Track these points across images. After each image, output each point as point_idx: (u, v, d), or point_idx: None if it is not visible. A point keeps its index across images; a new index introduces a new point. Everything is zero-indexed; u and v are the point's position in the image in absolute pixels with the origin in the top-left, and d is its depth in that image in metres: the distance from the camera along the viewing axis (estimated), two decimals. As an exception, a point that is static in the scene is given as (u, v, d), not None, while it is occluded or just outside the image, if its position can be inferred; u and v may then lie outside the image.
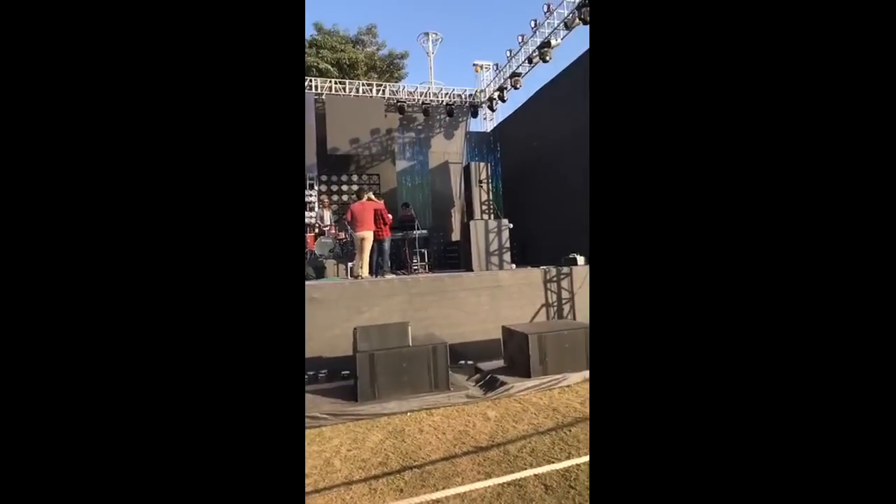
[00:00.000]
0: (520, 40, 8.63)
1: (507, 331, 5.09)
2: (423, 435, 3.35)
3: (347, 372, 4.63)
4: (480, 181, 7.68)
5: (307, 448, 3.20)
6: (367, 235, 6.23)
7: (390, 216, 7.03)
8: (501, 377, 4.49)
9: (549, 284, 6.12)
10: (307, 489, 2.59)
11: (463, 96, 10.69)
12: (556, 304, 6.11)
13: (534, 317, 5.99)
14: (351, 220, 6.33)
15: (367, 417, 3.72)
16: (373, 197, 6.63)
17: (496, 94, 9.86)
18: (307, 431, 3.51)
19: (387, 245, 6.86)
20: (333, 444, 3.26)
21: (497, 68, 10.01)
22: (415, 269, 7.45)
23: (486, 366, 5.03)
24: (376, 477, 2.70)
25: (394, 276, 6.75)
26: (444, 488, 2.49)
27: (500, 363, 5.08)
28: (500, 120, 10.92)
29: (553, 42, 7.82)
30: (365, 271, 6.31)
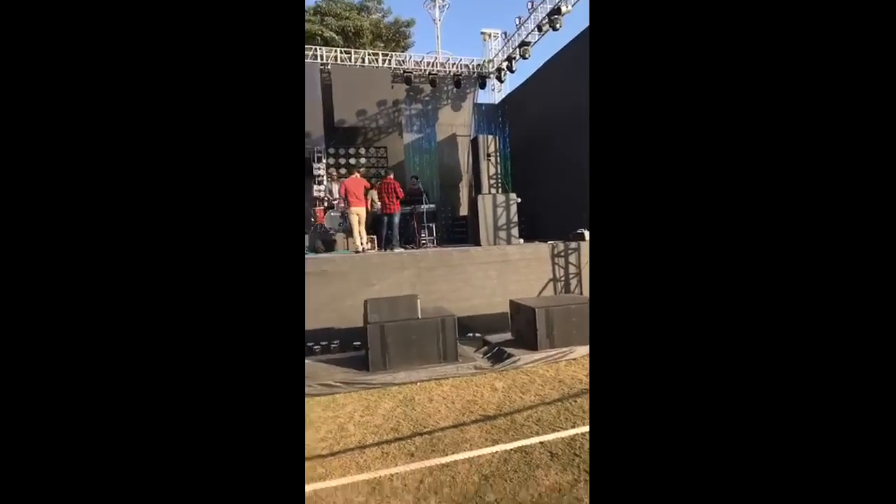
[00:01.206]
0: (529, 7, 8.32)
1: (514, 305, 5.16)
2: (432, 404, 3.47)
3: (359, 343, 4.76)
4: (488, 155, 7.59)
5: (322, 413, 3.34)
6: (360, 211, 6.56)
7: (402, 191, 7.03)
8: (509, 350, 4.59)
9: (556, 259, 6.14)
10: (323, 452, 2.73)
11: (471, 66, 10.42)
12: (563, 278, 6.15)
13: (541, 291, 6.05)
14: (345, 196, 6.64)
15: (378, 386, 3.86)
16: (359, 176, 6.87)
17: (504, 65, 9.60)
18: (322, 399, 3.65)
19: (396, 219, 6.90)
20: (347, 410, 3.40)
21: (505, 37, 9.71)
22: (423, 244, 7.49)
23: (494, 338, 5.13)
24: (388, 442, 2.83)
25: (402, 249, 6.81)
26: (453, 453, 2.61)
27: (507, 336, 5.18)
28: (509, 91, 10.66)
29: (563, 9, 7.54)
30: (359, 244, 6.52)
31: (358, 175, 6.90)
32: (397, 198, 6.79)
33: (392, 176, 7.13)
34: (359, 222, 6.60)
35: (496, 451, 2.60)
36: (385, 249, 6.81)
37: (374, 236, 7.38)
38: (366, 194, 6.72)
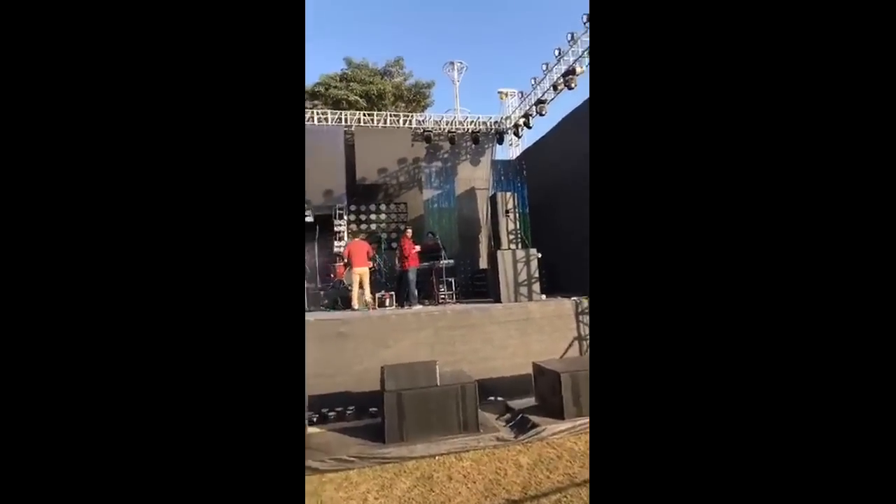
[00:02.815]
0: (544, 68, 8.67)
1: (537, 367, 4.92)
2: (452, 483, 3.22)
3: (375, 409, 4.58)
4: (507, 211, 7.63)
5: (335, 494, 3.14)
6: (361, 272, 6.92)
7: (417, 247, 7.07)
8: (533, 418, 4.32)
9: (580, 316, 5.92)
10: (334, 545, 2.51)
11: (488, 123, 10.79)
12: (588, 336, 5.89)
13: (566, 351, 5.79)
14: (348, 258, 7.00)
15: (394, 461, 3.63)
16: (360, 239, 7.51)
17: (521, 121, 9.89)
18: (335, 476, 3.45)
19: (411, 275, 6.88)
20: (360, 490, 3.19)
21: (522, 96, 10.08)
22: (442, 299, 7.40)
23: (516, 404, 4.86)
24: (404, 533, 2.60)
25: (420, 306, 6.72)
26: (474, 550, 2.36)
27: (530, 401, 4.90)
28: (527, 146, 10.91)
29: (578, 70, 7.81)
30: (355, 303, 6.85)
31: (360, 239, 7.49)
32: (406, 256, 6.88)
33: (409, 232, 7.21)
34: (360, 282, 6.89)
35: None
36: (402, 306, 6.74)
37: (393, 293, 7.36)
38: (369, 257, 7.08)
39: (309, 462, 3.54)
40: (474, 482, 3.23)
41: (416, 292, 6.98)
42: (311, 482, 3.34)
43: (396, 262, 7.42)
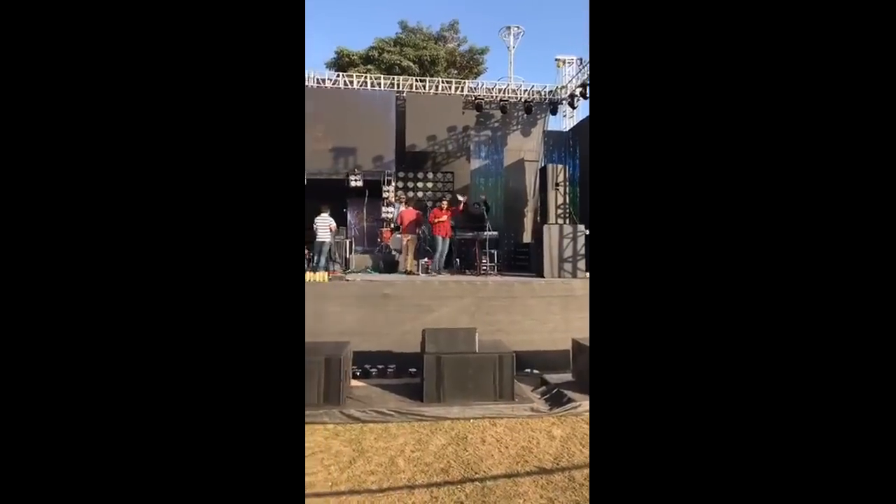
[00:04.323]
0: (609, 34, 8.11)
1: (576, 344, 4.88)
2: (485, 446, 3.34)
3: (415, 370, 4.76)
4: (557, 184, 7.40)
5: (374, 443, 3.34)
6: (408, 238, 7.27)
7: (444, 217, 7.02)
8: (569, 393, 4.33)
9: (626, 297, 5.75)
10: (372, 487, 2.70)
11: (542, 93, 10.35)
12: (632, 318, 5.73)
13: (607, 330, 5.68)
14: (400, 224, 7.49)
15: (430, 419, 3.80)
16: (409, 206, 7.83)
17: (578, 91, 9.41)
18: (375, 426, 3.66)
19: (441, 244, 6.97)
20: (399, 442, 3.37)
21: (581, 63, 9.54)
22: (483, 270, 7.41)
23: (553, 378, 4.88)
24: (438, 485, 2.74)
25: (448, 275, 6.77)
26: (505, 508, 2.46)
27: (568, 377, 4.90)
28: (582, 118, 10.40)
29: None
30: (409, 266, 7.11)
31: (411, 207, 7.75)
32: (446, 222, 7.01)
33: (444, 203, 7.31)
34: (407, 248, 7.21)
35: (552, 514, 2.41)
36: (429, 273, 6.90)
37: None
38: (417, 224, 7.32)
39: (352, 411, 3.78)
40: (507, 447, 3.32)
41: (441, 262, 7.05)
42: (352, 430, 3.58)
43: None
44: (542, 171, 7.80)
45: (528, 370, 5.20)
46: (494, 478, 2.84)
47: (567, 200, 7.45)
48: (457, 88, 10.08)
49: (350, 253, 7.79)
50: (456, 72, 17.09)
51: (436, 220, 6.97)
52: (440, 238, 7.00)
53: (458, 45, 18.18)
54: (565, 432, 3.63)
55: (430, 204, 9.62)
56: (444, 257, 7.10)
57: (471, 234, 7.62)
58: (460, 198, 7.49)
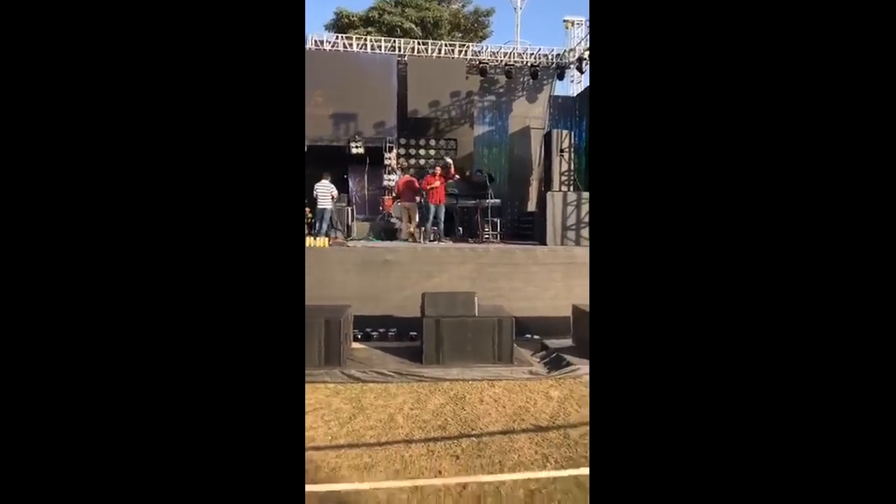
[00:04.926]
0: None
1: (577, 310, 4.88)
2: (482, 405, 3.38)
3: (415, 333, 4.80)
4: (562, 150, 7.24)
5: (374, 401, 3.40)
6: (408, 206, 7.24)
7: (437, 182, 6.85)
8: (568, 357, 4.36)
9: (628, 265, 5.71)
10: (370, 441, 2.76)
11: (549, 56, 9.97)
12: (634, 286, 5.71)
13: (608, 297, 5.67)
14: (398, 192, 7.48)
15: (429, 380, 3.85)
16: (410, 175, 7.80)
17: (587, 54, 9.05)
18: (375, 386, 3.72)
19: (434, 210, 6.85)
20: (398, 401, 3.43)
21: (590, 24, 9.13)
22: (486, 238, 7.37)
23: (552, 343, 4.92)
24: (435, 440, 2.80)
25: (440, 242, 6.70)
26: (499, 462, 2.51)
27: (568, 342, 4.93)
28: (586, 86, 10.05)
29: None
30: (411, 233, 7.08)
31: (410, 174, 7.71)
32: (440, 188, 6.88)
33: (438, 169, 7.13)
34: (408, 216, 7.21)
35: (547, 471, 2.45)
36: (425, 241, 6.83)
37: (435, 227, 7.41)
38: (418, 193, 7.22)
39: (353, 372, 3.83)
40: (504, 407, 3.37)
41: (433, 228, 6.94)
42: (353, 389, 3.64)
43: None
44: (547, 137, 7.62)
45: (529, 335, 5.23)
46: (491, 434, 2.89)
47: (572, 167, 7.30)
48: (460, 52, 9.73)
49: (352, 220, 7.75)
50: (460, 35, 16.49)
51: (428, 187, 6.85)
52: (432, 205, 6.86)
53: (463, 6, 17.47)
54: (563, 393, 3.67)
55: (430, 171, 9.50)
56: (441, 224, 6.99)
57: (473, 201, 7.53)
58: (448, 160, 7.30)
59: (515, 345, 4.32)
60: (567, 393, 3.68)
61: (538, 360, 4.58)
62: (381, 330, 5.06)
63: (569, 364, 4.21)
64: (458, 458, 2.57)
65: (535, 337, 5.24)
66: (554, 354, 4.56)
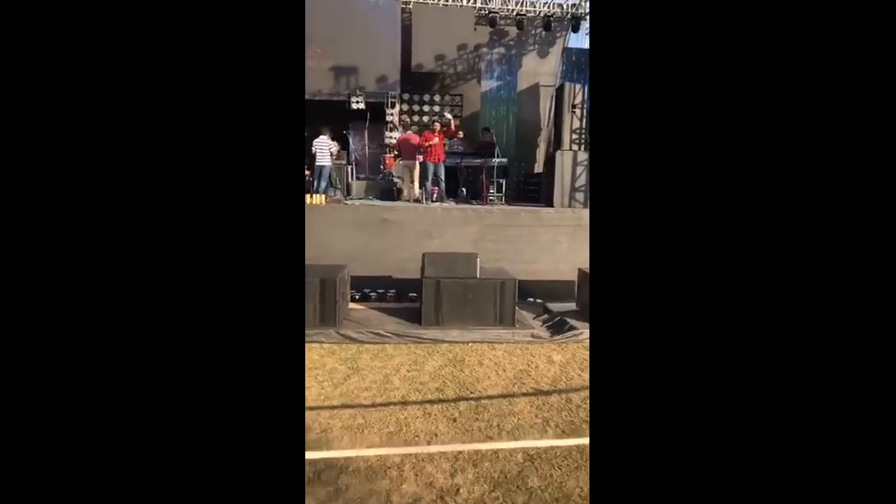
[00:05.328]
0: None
1: (582, 274, 4.71)
2: (482, 368, 3.28)
3: (415, 295, 4.67)
4: (574, 106, 6.82)
5: (370, 362, 3.31)
6: (409, 164, 6.89)
7: (435, 139, 6.47)
8: (571, 321, 4.23)
9: (638, 229, 5.48)
10: (365, 402, 2.67)
11: (565, 6, 9.30)
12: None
13: (616, 262, 5.49)
14: (399, 150, 7.16)
15: (428, 342, 3.74)
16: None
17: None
18: (371, 347, 3.62)
19: (433, 169, 6.47)
20: (395, 362, 3.33)
21: (611, -31, 8.42)
22: (490, 200, 7.11)
23: (556, 307, 4.79)
24: (431, 402, 2.70)
25: (442, 203, 6.40)
26: (498, 425, 2.41)
27: (571, 306, 4.80)
28: (606, 35, 9.41)
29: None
30: (415, 193, 6.74)
31: (412, 131, 7.28)
32: (438, 146, 6.50)
33: (437, 125, 6.71)
34: (410, 177, 6.86)
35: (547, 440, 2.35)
36: (424, 201, 6.49)
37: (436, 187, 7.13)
38: (418, 150, 6.76)
39: (348, 332, 3.72)
40: (504, 370, 3.26)
41: (433, 188, 6.55)
42: (349, 350, 3.54)
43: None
44: (559, 92, 7.18)
45: (532, 299, 5.10)
46: (490, 398, 2.79)
47: (583, 125, 6.90)
48: (468, 0, 9.08)
49: (352, 179, 7.48)
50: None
51: (426, 144, 6.46)
52: (431, 164, 6.47)
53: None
54: (565, 357, 3.56)
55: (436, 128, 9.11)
56: (442, 183, 6.62)
57: (479, 160, 7.22)
58: (448, 115, 6.92)
59: (518, 308, 4.19)
60: (569, 357, 3.57)
61: (540, 323, 4.46)
62: (380, 291, 4.93)
63: (572, 328, 4.09)
64: (455, 420, 2.47)
65: (538, 301, 5.11)
66: (557, 318, 4.43)
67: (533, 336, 3.97)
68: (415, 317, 4.10)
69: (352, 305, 4.52)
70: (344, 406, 2.62)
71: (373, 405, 2.64)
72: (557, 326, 4.24)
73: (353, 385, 2.90)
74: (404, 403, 2.67)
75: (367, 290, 4.89)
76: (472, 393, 2.85)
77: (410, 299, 4.79)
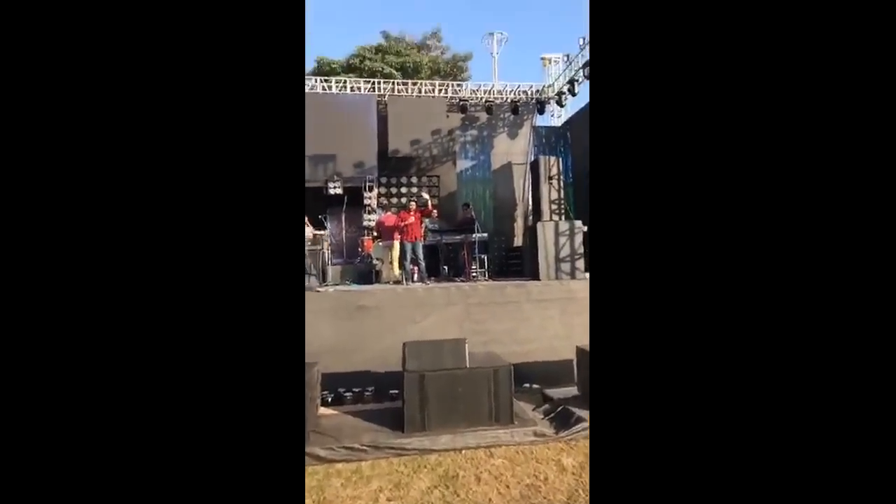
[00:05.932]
0: (595, 24, 7.73)
1: (581, 352, 4.25)
2: (480, 486, 2.67)
3: (396, 391, 4.09)
4: (550, 177, 6.86)
5: (341, 491, 2.66)
6: (389, 244, 6.80)
7: (411, 217, 6.32)
8: (576, 411, 3.68)
9: (632, 298, 5.17)
10: (330, 556, 2.02)
11: (529, 92, 9.93)
12: (641, 321, 5.14)
13: (614, 336, 5.08)
14: (378, 232, 7.18)
15: (413, 453, 3.12)
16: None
17: (566, 88, 9.00)
18: (343, 467, 2.98)
19: (411, 248, 6.22)
20: (371, 487, 2.69)
21: (567, 59, 9.17)
22: (473, 276, 6.81)
23: (555, 393, 4.25)
24: (418, 548, 2.07)
25: (423, 283, 6.06)
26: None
27: (572, 390, 4.27)
28: (568, 117, 9.98)
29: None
30: (395, 273, 6.61)
31: (390, 213, 7.45)
32: (414, 224, 6.30)
33: (413, 205, 6.57)
34: (389, 257, 6.77)
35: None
36: (406, 282, 6.17)
37: (415, 267, 6.82)
38: (397, 230, 6.65)
39: (316, 450, 3.08)
40: (507, 486, 2.66)
41: (412, 267, 6.28)
42: (315, 473, 2.89)
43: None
44: (535, 165, 7.28)
45: (528, 384, 4.56)
46: (492, 532, 2.18)
47: (561, 195, 6.89)
48: (440, 90, 9.64)
49: (328, 265, 7.13)
50: (439, 79, 16.79)
51: (402, 224, 6.27)
52: (408, 243, 6.21)
53: (442, 54, 17.93)
54: (578, 461, 2.97)
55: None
56: (421, 262, 6.31)
57: (459, 237, 7.04)
58: (425, 195, 6.84)
59: (515, 399, 3.64)
60: (583, 460, 2.98)
61: (542, 415, 3.89)
62: (356, 390, 4.32)
63: (579, 420, 3.53)
64: (448, 579, 1.85)
65: (535, 386, 4.57)
66: (560, 408, 3.88)
67: (536, 434, 3.39)
68: (397, 420, 3.50)
69: (322, 411, 3.89)
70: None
71: (340, 560, 2.00)
72: (562, 419, 3.68)
73: (316, 528, 2.26)
74: (382, 553, 2.03)
75: (341, 390, 4.28)
76: (469, 526, 2.23)
77: (391, 397, 4.18)
